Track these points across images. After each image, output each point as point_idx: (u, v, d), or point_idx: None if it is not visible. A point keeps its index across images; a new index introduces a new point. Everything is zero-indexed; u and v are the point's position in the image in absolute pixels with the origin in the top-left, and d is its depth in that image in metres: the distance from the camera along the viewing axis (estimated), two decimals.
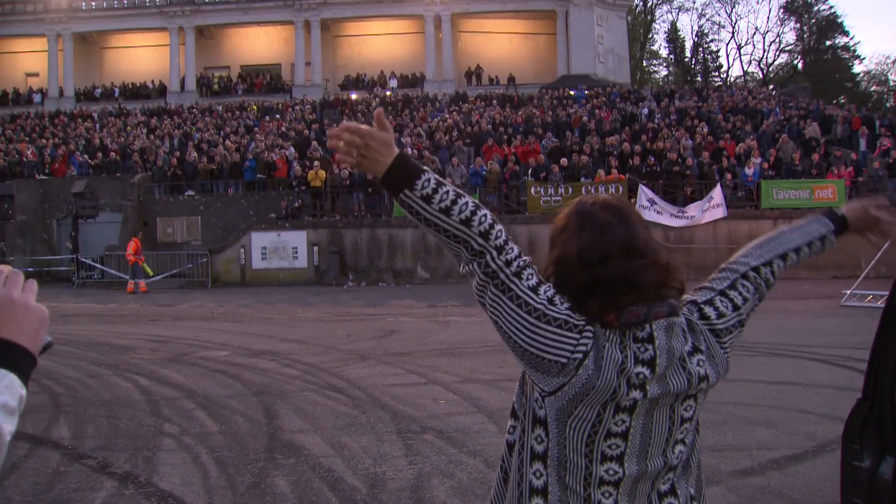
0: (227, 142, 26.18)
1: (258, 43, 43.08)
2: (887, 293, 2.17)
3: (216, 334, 11.44)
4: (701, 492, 1.62)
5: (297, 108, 33.14)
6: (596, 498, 1.49)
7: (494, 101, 31.79)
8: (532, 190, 20.46)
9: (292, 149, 24.75)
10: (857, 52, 64.97)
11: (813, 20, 55.22)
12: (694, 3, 67.72)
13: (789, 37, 59.01)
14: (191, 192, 23.60)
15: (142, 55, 42.95)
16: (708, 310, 1.58)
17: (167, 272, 21.14)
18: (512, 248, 1.49)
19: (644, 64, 59.36)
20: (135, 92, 40.31)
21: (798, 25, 56.09)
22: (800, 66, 56.37)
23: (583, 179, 20.54)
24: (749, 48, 78.50)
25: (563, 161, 21.26)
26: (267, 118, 31.29)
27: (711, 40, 59.17)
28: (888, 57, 75.64)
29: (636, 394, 1.45)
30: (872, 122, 24.14)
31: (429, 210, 1.46)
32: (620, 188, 19.52)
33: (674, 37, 59.44)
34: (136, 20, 41.31)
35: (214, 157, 24.25)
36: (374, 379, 7.79)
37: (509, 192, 21.36)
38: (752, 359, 8.24)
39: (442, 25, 40.26)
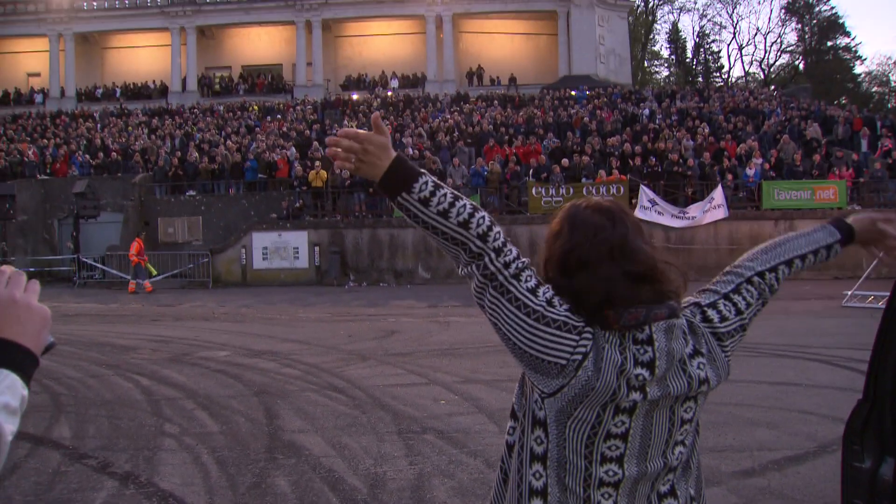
0: (229, 142, 26.21)
1: (259, 43, 43.10)
2: (888, 294, 2.17)
3: (217, 334, 11.45)
4: (701, 493, 1.62)
5: (299, 108, 33.15)
6: (595, 499, 1.49)
7: (496, 102, 31.78)
8: (533, 190, 20.46)
9: (293, 149, 24.77)
10: (859, 53, 64.95)
11: (814, 21, 55.18)
12: (695, 3, 67.66)
13: (791, 37, 59.11)
14: (192, 193, 23.63)
15: (143, 55, 42.98)
16: (711, 312, 1.58)
17: (168, 272, 21.16)
18: (510, 250, 1.49)
19: (645, 64, 59.35)
20: (136, 92, 40.33)
21: (799, 26, 56.07)
22: (801, 66, 56.32)
23: (584, 180, 20.53)
24: (750, 49, 78.31)
25: (565, 161, 21.26)
26: (268, 118, 31.31)
27: (713, 41, 59.23)
28: (889, 58, 75.50)
29: (636, 395, 1.45)
30: (874, 123, 24.12)
31: (427, 213, 1.46)
32: (622, 189, 19.52)
33: (675, 37, 59.45)
34: (137, 20, 41.33)
35: (216, 158, 24.27)
36: (374, 379, 7.80)
37: (510, 193, 21.36)
38: (755, 359, 8.24)
39: (443, 26, 40.25)
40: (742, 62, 72.34)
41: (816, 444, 5.35)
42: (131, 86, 40.86)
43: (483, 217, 1.48)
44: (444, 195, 1.47)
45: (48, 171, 25.74)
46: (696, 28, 59.75)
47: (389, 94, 36.38)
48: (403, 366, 8.51)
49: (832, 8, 61.64)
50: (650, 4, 57.41)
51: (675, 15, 68.52)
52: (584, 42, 39.45)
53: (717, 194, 19.40)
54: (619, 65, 41.82)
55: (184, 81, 40.94)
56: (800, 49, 56.77)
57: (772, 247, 1.70)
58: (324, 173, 21.63)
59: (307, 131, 27.22)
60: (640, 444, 1.49)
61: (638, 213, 18.92)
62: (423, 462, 5.10)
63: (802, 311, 12.54)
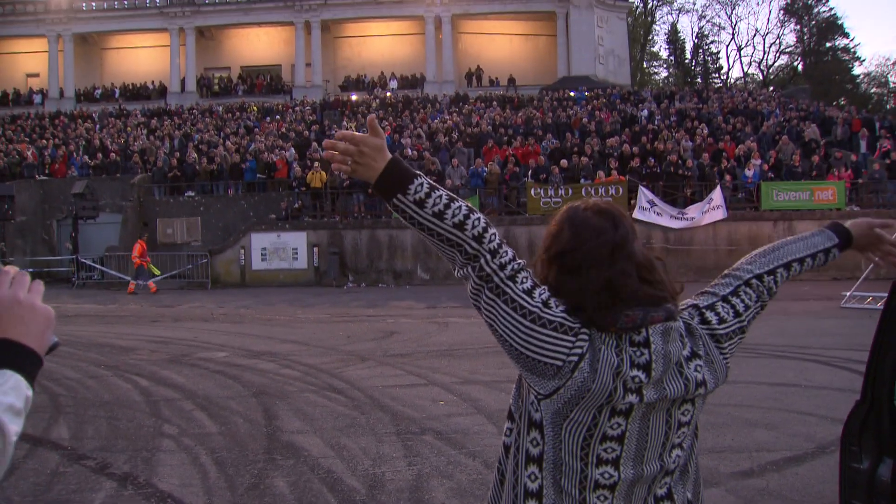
0: (228, 143, 26.20)
1: (258, 44, 43.10)
2: (886, 295, 2.18)
3: (216, 335, 11.44)
4: (699, 496, 1.61)
5: (298, 109, 33.15)
6: (591, 501, 1.49)
7: (494, 103, 31.80)
8: (532, 191, 20.46)
9: (292, 150, 24.77)
10: (857, 54, 65.15)
11: (813, 22, 55.25)
12: (694, 4, 67.98)
13: (789, 38, 59.21)
14: (191, 193, 23.62)
15: (142, 56, 42.98)
16: (709, 314, 1.58)
17: (167, 273, 21.15)
18: (506, 252, 1.49)
19: (644, 65, 59.39)
20: (135, 93, 40.34)
21: (798, 27, 56.14)
22: (800, 67, 56.40)
23: (583, 181, 20.54)
24: (749, 50, 78.57)
25: (563, 162, 21.27)
26: (267, 119, 31.31)
27: (711, 42, 59.31)
28: (888, 59, 75.74)
29: (632, 398, 1.45)
30: (872, 124, 24.15)
31: (422, 214, 1.46)
32: (620, 190, 19.52)
33: (674, 38, 59.50)
34: (136, 21, 41.34)
35: (214, 158, 24.26)
36: (373, 380, 7.80)
37: (509, 194, 21.37)
38: (754, 360, 8.25)
39: (442, 27, 40.27)
40: (741, 63, 72.16)
41: (815, 445, 5.35)
42: (130, 86, 40.86)
43: (478, 219, 1.48)
44: (440, 197, 1.47)
45: (47, 171, 25.72)
46: (695, 29, 59.66)
47: (388, 94, 36.37)
48: (402, 367, 8.51)
49: (831, 9, 61.69)
50: (649, 5, 57.51)
51: (673, 16, 68.60)
52: (583, 43, 39.48)
53: (716, 195, 19.41)
54: (618, 66, 41.86)
55: (183, 82, 40.95)
56: (798, 50, 56.86)
57: (770, 250, 1.71)
58: (323, 174, 21.62)
59: (306, 132, 27.21)
60: (636, 446, 1.49)
61: (637, 214, 18.93)
62: (422, 463, 5.10)
63: (801, 311, 12.55)
